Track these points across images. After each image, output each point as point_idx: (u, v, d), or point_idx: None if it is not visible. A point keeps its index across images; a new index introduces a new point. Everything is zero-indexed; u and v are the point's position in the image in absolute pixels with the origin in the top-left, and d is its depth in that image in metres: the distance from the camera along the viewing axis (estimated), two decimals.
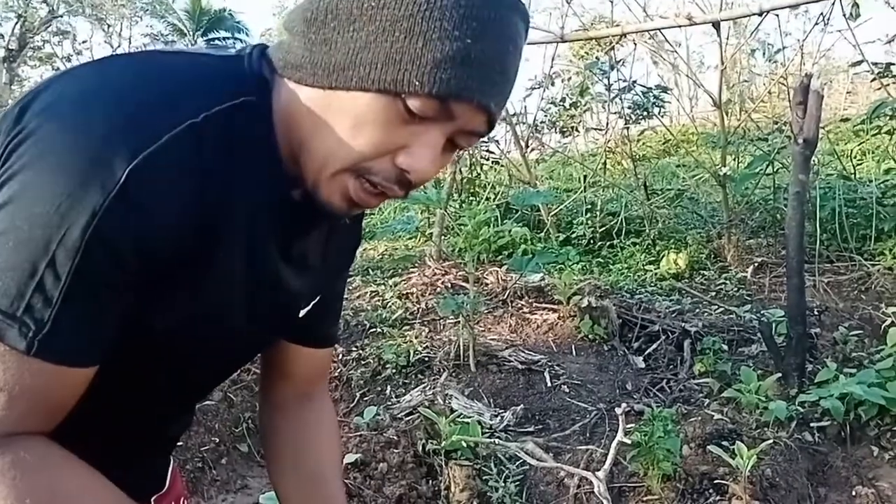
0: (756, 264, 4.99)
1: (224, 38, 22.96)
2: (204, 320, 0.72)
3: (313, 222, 0.77)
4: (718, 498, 2.29)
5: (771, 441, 2.52)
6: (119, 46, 22.95)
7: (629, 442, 2.49)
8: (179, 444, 2.86)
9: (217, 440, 2.99)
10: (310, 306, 0.88)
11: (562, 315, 4.05)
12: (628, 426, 2.60)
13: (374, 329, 3.98)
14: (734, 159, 6.12)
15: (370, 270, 5.18)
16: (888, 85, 5.05)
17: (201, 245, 0.65)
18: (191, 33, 22.99)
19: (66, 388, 0.64)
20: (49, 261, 0.57)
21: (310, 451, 1.01)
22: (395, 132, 0.65)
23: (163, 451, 0.97)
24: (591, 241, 5.88)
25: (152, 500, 0.93)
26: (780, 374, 3.05)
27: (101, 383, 0.67)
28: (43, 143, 0.57)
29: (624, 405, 2.56)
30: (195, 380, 0.85)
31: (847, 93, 13.41)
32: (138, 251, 0.59)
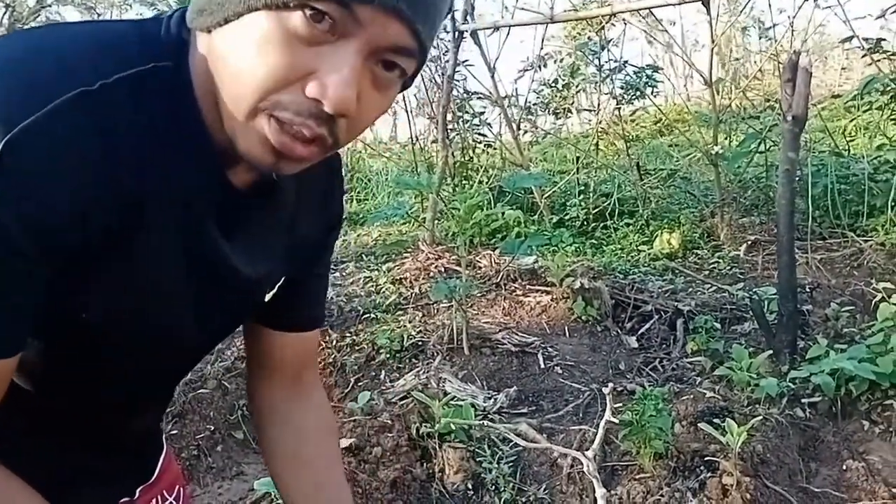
0: (749, 242, 5.00)
1: None
2: (144, 311, 0.67)
3: (257, 200, 0.71)
4: (710, 475, 2.31)
5: (762, 417, 2.54)
6: None
7: (618, 421, 2.51)
8: (174, 432, 2.89)
9: (212, 428, 3.01)
10: (275, 289, 0.82)
11: (555, 297, 4.06)
12: (622, 405, 2.62)
13: (367, 314, 3.98)
14: (726, 138, 6.11)
15: (363, 256, 5.18)
16: (879, 60, 5.03)
17: (119, 230, 0.59)
18: None
19: None
20: None
21: (312, 460, 0.97)
22: (298, 55, 0.55)
23: (142, 442, 0.93)
24: (585, 223, 5.88)
25: (138, 490, 0.92)
26: (771, 352, 3.07)
27: (55, 375, 0.66)
28: None
29: (611, 385, 2.58)
30: (153, 371, 0.80)
31: (842, 69, 13.34)
32: (28, 231, 0.54)
